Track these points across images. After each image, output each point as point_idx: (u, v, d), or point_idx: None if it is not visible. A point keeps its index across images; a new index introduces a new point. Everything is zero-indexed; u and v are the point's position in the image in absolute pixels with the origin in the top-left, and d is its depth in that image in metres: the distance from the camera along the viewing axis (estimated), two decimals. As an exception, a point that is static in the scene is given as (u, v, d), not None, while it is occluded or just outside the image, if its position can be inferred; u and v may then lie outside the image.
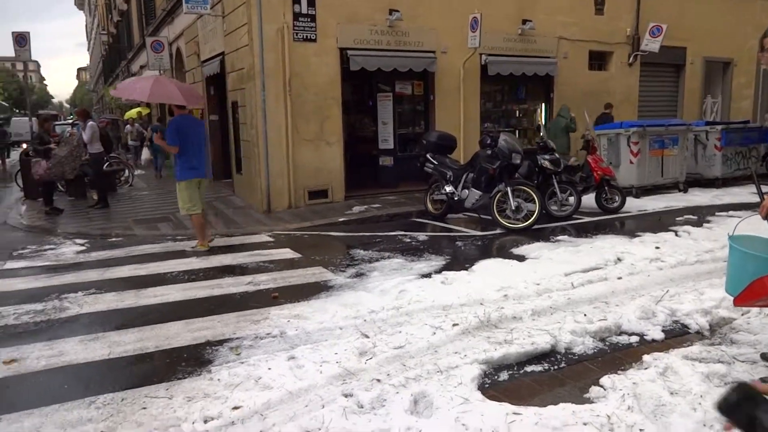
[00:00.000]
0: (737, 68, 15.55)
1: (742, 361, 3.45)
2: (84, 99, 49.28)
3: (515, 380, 3.45)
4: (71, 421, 3.06)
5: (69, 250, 7.32)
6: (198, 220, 7.08)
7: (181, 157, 6.88)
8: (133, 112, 20.00)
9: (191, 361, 3.81)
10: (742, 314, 4.22)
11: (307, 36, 9.94)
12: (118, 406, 3.21)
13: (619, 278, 5.30)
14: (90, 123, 10.72)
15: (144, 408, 3.18)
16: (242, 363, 3.68)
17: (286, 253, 6.93)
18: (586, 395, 3.18)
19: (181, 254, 6.95)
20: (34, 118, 17.38)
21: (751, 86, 15.83)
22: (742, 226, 3.33)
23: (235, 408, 3.09)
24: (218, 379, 3.48)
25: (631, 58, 13.65)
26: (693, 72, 14.86)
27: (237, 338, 4.13)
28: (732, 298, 3.14)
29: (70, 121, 29.43)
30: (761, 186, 3.34)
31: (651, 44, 13.30)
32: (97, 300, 5.18)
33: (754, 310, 4.09)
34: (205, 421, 3.00)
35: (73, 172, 10.69)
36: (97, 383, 3.51)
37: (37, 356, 3.92)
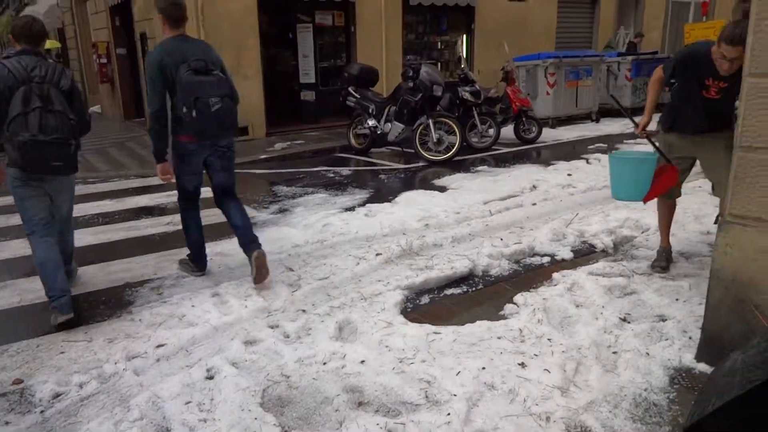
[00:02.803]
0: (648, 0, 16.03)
1: (640, 274, 3.76)
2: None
3: (435, 303, 3.62)
4: (-17, 370, 2.95)
5: (-33, 197, 6.80)
6: None
7: None
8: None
9: (110, 303, 3.72)
10: (642, 232, 4.57)
11: (217, -39, 9.34)
12: (34, 353, 3.11)
13: (534, 204, 5.56)
14: None
15: (62, 352, 3.10)
16: (164, 302, 3.63)
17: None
18: (501, 312, 3.38)
19: (94, 196, 6.63)
20: None
21: (660, 18, 16.40)
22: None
23: (159, 346, 3.07)
24: (140, 320, 3.43)
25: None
26: (607, 4, 15.20)
27: (158, 278, 4.06)
28: (618, 200, 4.03)
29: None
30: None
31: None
32: (2, 248, 4.89)
33: (652, 228, 4.42)
34: (128, 360, 2.96)
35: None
36: (9, 332, 3.37)
37: (-61, 308, 3.70)
